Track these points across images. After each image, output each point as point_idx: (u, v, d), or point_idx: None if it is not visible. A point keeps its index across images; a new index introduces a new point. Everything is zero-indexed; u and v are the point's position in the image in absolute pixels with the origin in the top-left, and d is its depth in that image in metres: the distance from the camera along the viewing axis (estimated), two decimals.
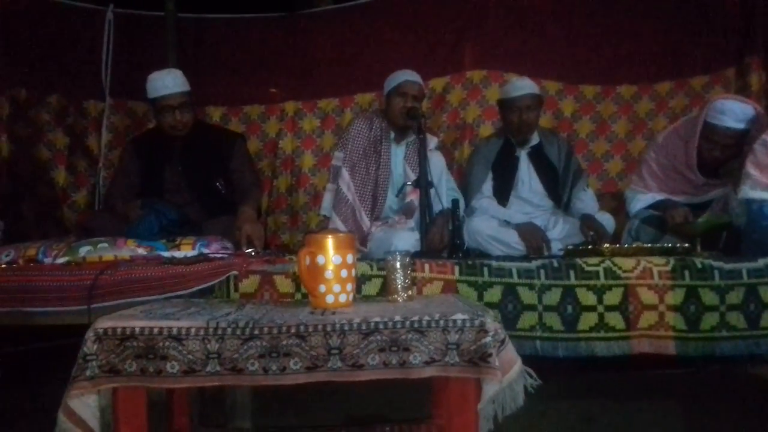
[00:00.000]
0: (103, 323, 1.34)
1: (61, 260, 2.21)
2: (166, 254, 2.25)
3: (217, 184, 2.88)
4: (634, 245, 2.49)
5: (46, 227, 3.67)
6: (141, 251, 2.25)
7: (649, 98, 3.87)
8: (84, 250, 2.22)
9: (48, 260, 2.22)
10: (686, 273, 2.08)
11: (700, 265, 2.10)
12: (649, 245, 2.44)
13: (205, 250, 2.28)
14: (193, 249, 2.28)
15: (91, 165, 3.91)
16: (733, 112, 2.62)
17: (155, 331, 1.32)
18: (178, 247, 2.29)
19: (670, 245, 2.37)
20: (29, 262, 2.23)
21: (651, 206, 2.89)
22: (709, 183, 2.80)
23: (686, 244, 2.36)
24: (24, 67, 3.73)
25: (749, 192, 2.45)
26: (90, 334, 1.32)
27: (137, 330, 1.32)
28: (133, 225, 2.55)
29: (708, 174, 2.77)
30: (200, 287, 2.04)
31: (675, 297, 2.06)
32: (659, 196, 2.90)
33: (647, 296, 2.06)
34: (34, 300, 2.05)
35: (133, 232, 2.47)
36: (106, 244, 2.26)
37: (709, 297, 2.07)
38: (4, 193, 3.59)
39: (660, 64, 3.84)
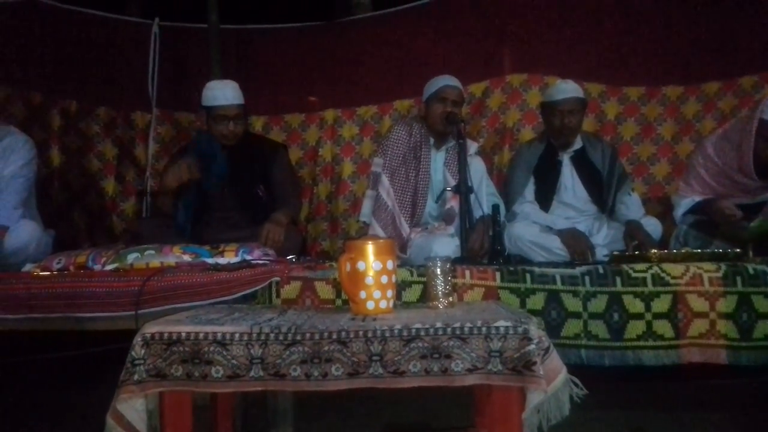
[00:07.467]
0: (151, 328, 1.36)
1: (109, 267, 2.27)
2: (210, 261, 2.29)
3: (258, 190, 2.93)
4: (683, 251, 2.42)
5: (95, 235, 3.80)
6: (186, 258, 2.30)
7: (696, 99, 3.77)
8: (131, 257, 2.28)
9: (97, 267, 2.28)
10: (738, 279, 2.01)
11: (752, 271, 2.03)
12: (699, 251, 2.36)
13: (248, 257, 2.31)
14: (236, 256, 2.32)
15: (139, 174, 4.03)
16: None
17: (201, 335, 1.34)
18: (221, 253, 2.33)
19: (720, 250, 2.29)
20: (80, 269, 2.30)
21: (694, 209, 2.80)
22: (764, 185, 2.70)
23: (737, 249, 2.28)
24: (74, 81, 3.87)
25: None
26: (138, 339, 1.35)
27: (183, 335, 1.34)
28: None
29: (763, 175, 2.68)
30: (243, 293, 2.08)
31: (726, 304, 2.00)
32: (698, 198, 2.81)
33: (697, 303, 2.00)
34: (84, 305, 2.11)
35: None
36: (152, 251, 2.31)
37: (762, 304, 2.00)
38: (56, 202, 3.73)
39: (707, 64, 3.74)
